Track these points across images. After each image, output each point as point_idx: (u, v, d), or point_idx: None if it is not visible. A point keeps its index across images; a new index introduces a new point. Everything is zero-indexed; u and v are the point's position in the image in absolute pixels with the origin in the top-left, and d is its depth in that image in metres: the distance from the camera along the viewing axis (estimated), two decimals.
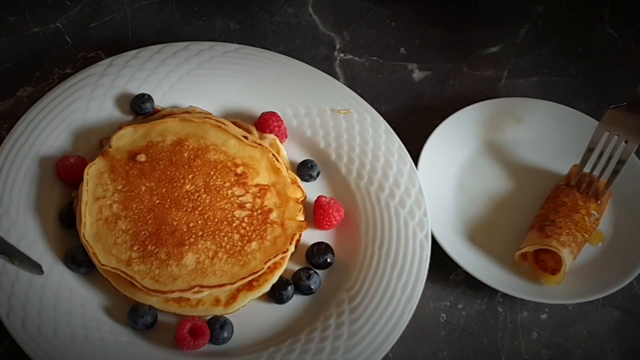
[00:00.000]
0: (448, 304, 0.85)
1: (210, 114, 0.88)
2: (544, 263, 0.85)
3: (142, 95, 0.87)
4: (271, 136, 0.87)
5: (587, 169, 0.88)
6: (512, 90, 1.00)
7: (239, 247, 0.79)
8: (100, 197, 0.79)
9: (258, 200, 0.81)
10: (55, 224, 0.80)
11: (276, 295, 0.80)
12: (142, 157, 0.82)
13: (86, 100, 0.86)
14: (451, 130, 0.92)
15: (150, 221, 0.78)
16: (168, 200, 0.80)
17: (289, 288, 0.80)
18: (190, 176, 0.81)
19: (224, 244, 0.78)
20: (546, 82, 1.02)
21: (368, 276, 0.81)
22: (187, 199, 0.80)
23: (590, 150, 0.87)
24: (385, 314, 0.78)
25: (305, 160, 0.88)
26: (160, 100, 0.88)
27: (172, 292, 0.76)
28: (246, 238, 0.79)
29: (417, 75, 1.00)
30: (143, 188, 0.80)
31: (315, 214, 0.84)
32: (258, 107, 0.89)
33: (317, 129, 0.89)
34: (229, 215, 0.80)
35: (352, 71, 0.99)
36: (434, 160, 0.90)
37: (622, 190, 0.91)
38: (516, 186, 0.92)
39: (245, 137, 0.85)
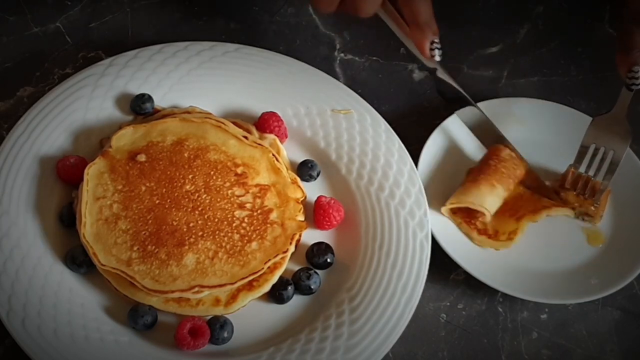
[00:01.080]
0: (448, 304, 0.85)
1: (210, 114, 0.88)
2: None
3: (142, 95, 0.87)
4: (271, 136, 0.87)
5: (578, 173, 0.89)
6: (512, 90, 1.00)
7: (239, 247, 0.79)
8: (100, 197, 0.79)
9: (258, 200, 0.81)
10: (55, 224, 0.80)
11: (276, 295, 0.80)
12: (142, 157, 0.82)
13: (86, 100, 0.86)
14: (451, 130, 0.92)
15: (150, 221, 0.78)
16: (168, 200, 0.80)
17: (289, 288, 0.80)
18: (190, 176, 0.81)
19: (224, 244, 0.78)
20: (546, 82, 1.02)
21: (368, 276, 0.81)
22: (187, 199, 0.80)
23: (579, 159, 0.88)
24: (385, 314, 0.78)
25: (305, 160, 0.88)
26: (160, 100, 0.88)
27: (172, 292, 0.76)
28: (246, 238, 0.79)
29: (417, 75, 1.00)
30: (143, 188, 0.80)
31: (315, 214, 0.84)
32: (258, 107, 0.89)
33: (317, 129, 0.89)
34: (229, 215, 0.80)
35: (352, 71, 0.99)
36: (434, 160, 0.90)
37: (622, 190, 0.91)
38: None
39: (245, 137, 0.85)
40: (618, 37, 0.82)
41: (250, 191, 0.82)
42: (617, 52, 0.82)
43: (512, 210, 0.88)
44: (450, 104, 0.90)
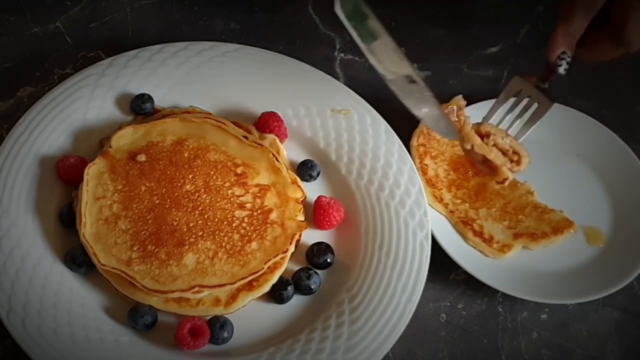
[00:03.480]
0: (448, 304, 0.85)
1: (210, 114, 0.88)
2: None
3: (142, 95, 0.87)
4: (271, 136, 0.87)
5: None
6: None
7: (239, 247, 0.79)
8: (100, 197, 0.79)
9: (258, 200, 0.81)
10: (55, 224, 0.80)
11: (276, 295, 0.80)
12: (142, 157, 0.82)
13: (86, 100, 0.86)
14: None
15: (150, 221, 0.78)
16: (168, 200, 0.80)
17: (289, 288, 0.80)
18: (190, 176, 0.81)
19: (224, 244, 0.78)
20: None
21: (368, 276, 0.81)
22: (187, 199, 0.80)
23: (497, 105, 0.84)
24: (385, 314, 0.78)
25: (305, 160, 0.88)
26: (160, 100, 0.88)
27: (172, 292, 0.76)
28: (246, 238, 0.79)
29: None
30: (143, 188, 0.80)
31: (315, 214, 0.84)
32: (258, 107, 0.89)
33: (317, 129, 0.89)
34: (229, 215, 0.80)
35: (352, 71, 0.99)
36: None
37: (622, 190, 0.91)
38: None
39: (245, 137, 0.85)
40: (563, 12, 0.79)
41: (250, 191, 0.82)
42: (558, 27, 0.79)
43: (512, 220, 0.87)
44: None
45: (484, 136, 0.84)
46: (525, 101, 0.83)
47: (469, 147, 0.83)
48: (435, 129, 0.82)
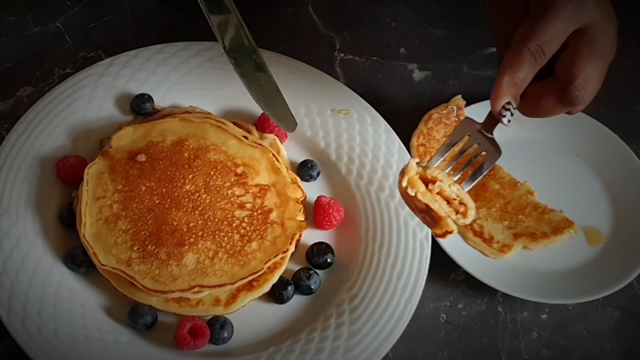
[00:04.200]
0: (448, 304, 0.85)
1: (210, 114, 0.88)
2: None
3: (142, 95, 0.87)
4: (271, 136, 0.87)
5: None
6: None
7: (239, 247, 0.79)
8: (100, 197, 0.79)
9: (258, 200, 0.81)
10: (55, 224, 0.80)
11: (276, 295, 0.80)
12: (142, 157, 0.82)
13: (86, 100, 0.86)
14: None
15: (150, 221, 0.78)
16: (168, 200, 0.80)
17: (289, 288, 0.80)
18: (190, 176, 0.81)
19: (224, 244, 0.78)
20: None
21: (368, 276, 0.81)
22: (187, 199, 0.80)
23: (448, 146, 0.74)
24: (385, 314, 0.78)
25: (305, 160, 0.88)
26: (160, 100, 0.88)
27: (172, 292, 0.76)
28: (246, 238, 0.79)
29: (417, 75, 1.00)
30: (143, 188, 0.80)
31: (315, 214, 0.84)
32: (258, 107, 0.89)
33: (317, 129, 0.89)
34: (229, 215, 0.80)
35: (352, 71, 0.99)
36: None
37: (622, 190, 0.91)
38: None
39: (246, 137, 0.85)
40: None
41: (250, 191, 0.82)
42: (503, 75, 0.70)
43: (512, 220, 0.87)
44: None
45: (429, 182, 0.73)
46: (474, 147, 0.73)
47: (412, 193, 0.72)
48: (272, 117, 0.81)
